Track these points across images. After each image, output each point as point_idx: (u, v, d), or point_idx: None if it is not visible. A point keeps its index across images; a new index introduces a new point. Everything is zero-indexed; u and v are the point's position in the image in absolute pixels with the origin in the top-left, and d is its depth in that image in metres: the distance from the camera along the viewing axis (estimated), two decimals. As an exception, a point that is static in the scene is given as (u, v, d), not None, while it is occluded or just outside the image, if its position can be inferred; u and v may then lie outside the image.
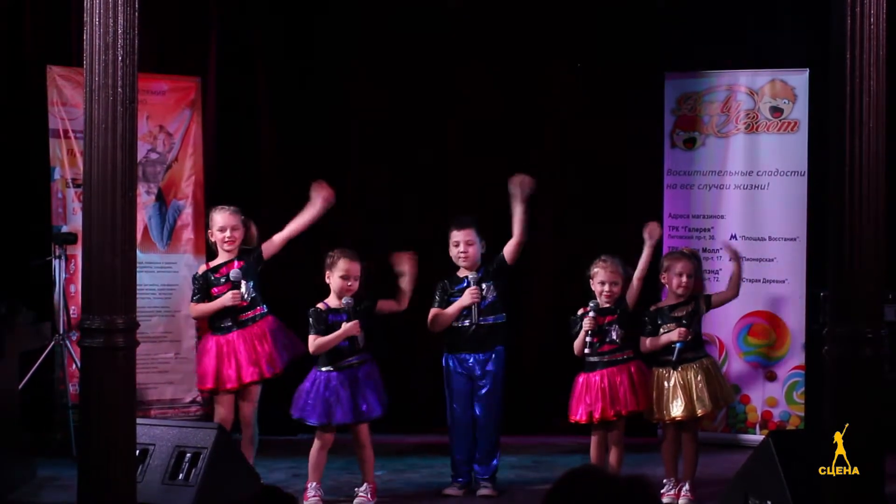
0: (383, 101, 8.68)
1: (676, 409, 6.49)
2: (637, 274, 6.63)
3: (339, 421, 6.36)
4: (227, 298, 6.66)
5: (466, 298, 6.70)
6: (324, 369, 6.43)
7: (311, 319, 6.45)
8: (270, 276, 7.16)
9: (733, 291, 6.87)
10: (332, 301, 6.50)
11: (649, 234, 6.70)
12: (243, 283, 6.68)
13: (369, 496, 6.48)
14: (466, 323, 6.72)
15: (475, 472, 6.80)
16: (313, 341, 6.41)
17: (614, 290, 6.62)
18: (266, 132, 8.71)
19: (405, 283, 6.59)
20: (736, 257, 7.02)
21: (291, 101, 8.67)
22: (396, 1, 8.57)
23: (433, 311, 6.80)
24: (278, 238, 6.84)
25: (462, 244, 6.74)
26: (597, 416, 6.52)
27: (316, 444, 6.43)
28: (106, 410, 4.69)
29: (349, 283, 6.45)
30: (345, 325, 6.39)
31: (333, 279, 6.48)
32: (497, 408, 6.78)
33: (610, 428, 6.59)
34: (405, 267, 6.59)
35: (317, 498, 6.38)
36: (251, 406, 6.72)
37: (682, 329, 6.55)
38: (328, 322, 6.43)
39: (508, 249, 6.76)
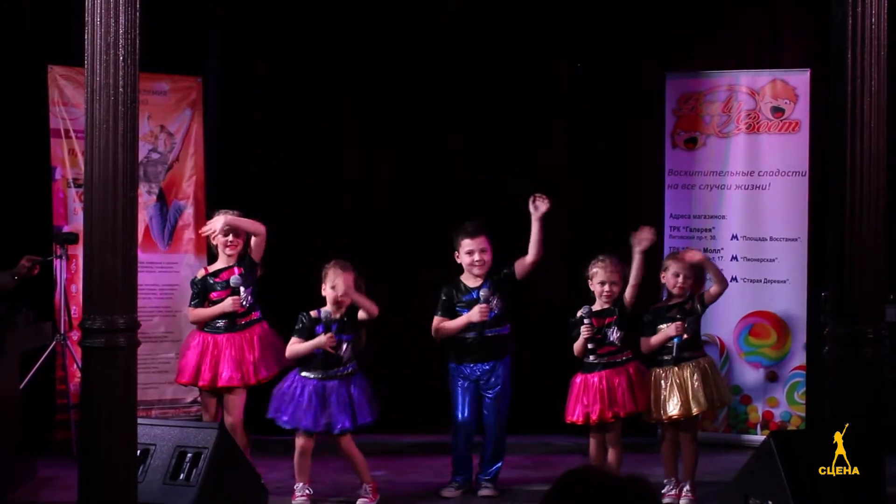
0: (384, 101, 8.67)
1: (672, 407, 6.49)
2: (631, 281, 6.59)
3: (306, 427, 6.39)
4: (227, 304, 6.68)
5: (475, 315, 6.64)
6: (302, 374, 6.47)
7: (298, 322, 6.49)
8: (272, 281, 7.16)
9: (720, 285, 6.67)
10: (324, 311, 6.51)
11: (637, 240, 6.60)
12: (242, 289, 6.68)
13: (371, 496, 6.49)
14: (472, 334, 6.69)
15: (477, 473, 6.81)
16: (290, 344, 6.48)
17: (614, 290, 6.61)
18: (266, 132, 8.71)
19: (361, 304, 6.45)
20: (698, 257, 6.78)
21: (292, 101, 8.67)
22: (398, 2, 8.56)
23: (437, 319, 6.77)
24: (254, 240, 6.81)
25: (477, 252, 6.70)
26: (594, 417, 6.52)
27: (296, 448, 6.46)
28: (107, 410, 4.69)
29: (339, 294, 6.47)
30: (318, 338, 6.41)
31: (326, 291, 6.51)
32: (504, 414, 6.79)
33: (607, 429, 6.59)
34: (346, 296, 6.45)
35: (304, 497, 6.42)
36: (232, 418, 6.68)
37: (678, 323, 6.54)
38: (315, 332, 6.45)
39: (521, 267, 6.70)
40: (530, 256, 6.69)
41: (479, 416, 6.81)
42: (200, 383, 6.68)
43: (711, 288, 6.72)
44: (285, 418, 6.43)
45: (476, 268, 6.72)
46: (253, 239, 6.80)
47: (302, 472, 6.46)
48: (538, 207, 6.68)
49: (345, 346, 6.46)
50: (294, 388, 6.44)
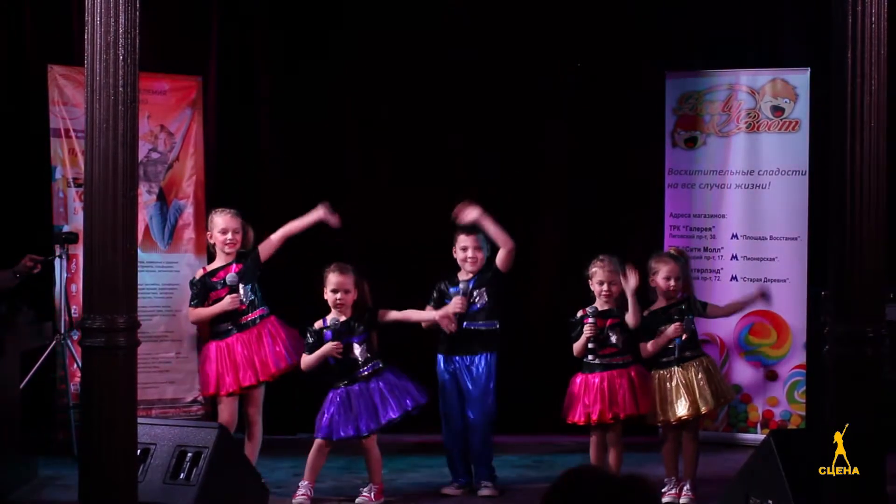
0: (384, 100, 8.67)
1: (681, 408, 6.49)
2: (631, 311, 6.60)
3: (341, 436, 6.44)
4: (225, 303, 6.66)
5: (451, 307, 6.76)
6: (332, 387, 6.51)
7: (306, 338, 6.54)
8: (272, 282, 7.15)
9: (728, 313, 7.05)
10: (330, 317, 6.53)
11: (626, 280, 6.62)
12: (241, 286, 6.67)
13: (373, 497, 6.49)
14: (452, 327, 6.77)
15: (474, 473, 6.81)
16: (302, 360, 6.54)
17: (613, 290, 6.62)
18: (266, 132, 8.71)
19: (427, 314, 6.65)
20: (760, 299, 7.14)
21: (292, 101, 8.67)
22: (398, 2, 8.56)
23: (427, 309, 6.89)
24: (275, 237, 6.83)
25: (470, 249, 6.80)
26: (594, 417, 6.53)
27: (314, 447, 6.49)
28: (107, 410, 4.69)
29: (338, 297, 6.50)
30: (324, 346, 6.44)
31: (327, 294, 6.53)
32: (487, 411, 6.80)
33: (608, 429, 6.59)
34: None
35: (304, 497, 6.42)
36: (255, 408, 6.74)
37: (677, 324, 6.55)
38: (325, 339, 6.49)
39: (500, 260, 6.80)
40: (503, 248, 6.78)
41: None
42: (229, 390, 6.65)
43: (720, 310, 7.00)
44: (323, 432, 6.46)
45: (468, 264, 6.82)
46: (277, 236, 6.79)
47: (312, 471, 6.47)
48: (464, 216, 6.75)
49: (357, 349, 6.48)
50: (327, 402, 6.49)
